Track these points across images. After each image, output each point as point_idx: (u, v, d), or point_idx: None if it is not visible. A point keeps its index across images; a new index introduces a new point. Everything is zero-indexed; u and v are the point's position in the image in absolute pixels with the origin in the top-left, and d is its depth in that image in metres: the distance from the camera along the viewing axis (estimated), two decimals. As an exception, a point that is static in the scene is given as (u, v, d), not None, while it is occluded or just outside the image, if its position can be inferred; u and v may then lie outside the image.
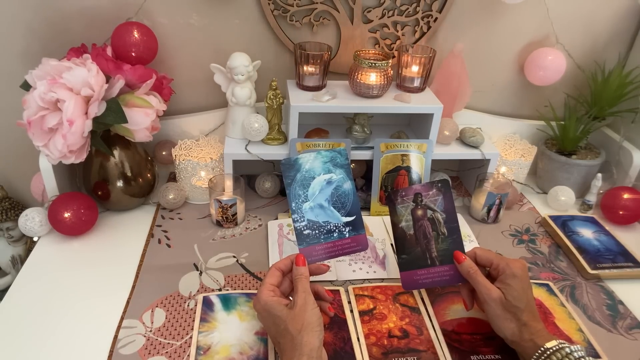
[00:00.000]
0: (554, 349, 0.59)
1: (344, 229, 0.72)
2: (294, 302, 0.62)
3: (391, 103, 0.93)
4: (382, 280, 0.81)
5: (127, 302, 0.74)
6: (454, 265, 0.71)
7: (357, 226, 0.73)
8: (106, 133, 0.86)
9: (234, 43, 0.97)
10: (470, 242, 0.91)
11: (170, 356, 0.65)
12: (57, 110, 0.77)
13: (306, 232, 0.71)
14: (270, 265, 0.82)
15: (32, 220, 0.85)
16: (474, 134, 0.98)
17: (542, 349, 0.59)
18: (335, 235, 0.72)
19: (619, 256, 0.88)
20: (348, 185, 0.73)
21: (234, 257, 0.84)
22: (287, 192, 0.72)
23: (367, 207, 0.98)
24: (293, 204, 0.71)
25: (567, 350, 0.58)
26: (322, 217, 0.72)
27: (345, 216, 0.72)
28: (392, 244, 0.88)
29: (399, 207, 0.76)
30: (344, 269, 0.82)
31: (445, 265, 0.72)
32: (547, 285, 0.81)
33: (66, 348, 0.66)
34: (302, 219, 0.71)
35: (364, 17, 0.98)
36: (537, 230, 0.97)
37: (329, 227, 0.72)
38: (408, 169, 0.95)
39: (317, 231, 0.71)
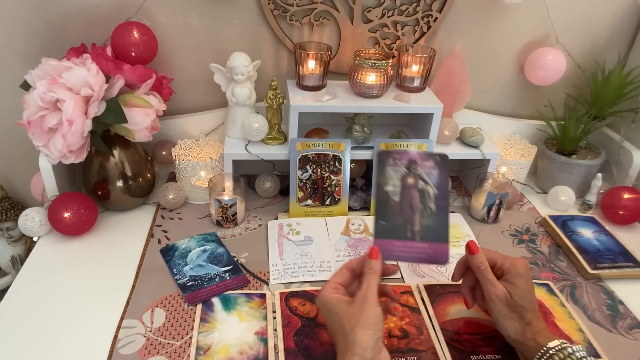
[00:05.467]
0: (557, 348, 0.59)
1: (224, 275, 0.79)
2: (354, 298, 0.59)
3: (391, 103, 0.92)
4: (382, 280, 0.81)
5: (127, 302, 0.74)
6: (435, 245, 0.67)
7: (235, 270, 0.80)
8: (106, 133, 0.86)
9: (234, 43, 0.97)
10: (470, 242, 0.91)
11: (170, 356, 0.65)
12: (57, 110, 0.77)
13: (189, 284, 0.77)
14: (270, 264, 0.82)
15: (32, 220, 0.85)
16: (474, 133, 0.98)
17: (545, 348, 0.59)
18: (216, 280, 0.78)
19: (619, 256, 0.88)
20: (222, 250, 0.84)
21: (234, 257, 0.84)
22: (168, 265, 0.80)
23: (367, 207, 0.98)
24: (174, 269, 0.79)
25: (570, 350, 0.58)
26: (202, 272, 0.79)
27: (223, 267, 0.80)
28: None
29: (389, 169, 0.70)
30: (344, 269, 0.82)
31: (425, 243, 0.68)
32: (547, 285, 0.81)
33: (66, 348, 0.66)
34: (184, 277, 0.78)
35: (364, 17, 0.97)
36: (537, 230, 0.97)
37: (209, 276, 0.78)
38: (408, 169, 0.96)
39: (199, 281, 0.77)
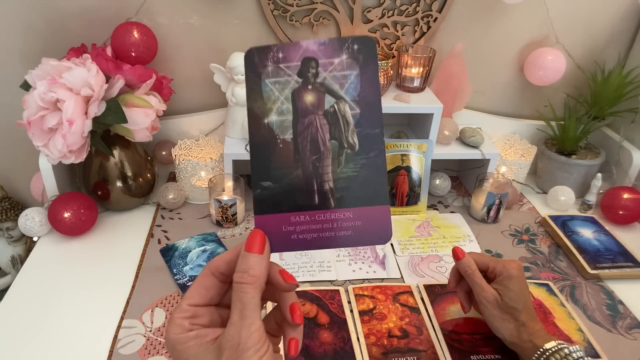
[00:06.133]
0: (553, 349, 0.59)
1: None
2: (222, 339, 0.35)
3: (391, 103, 0.93)
4: (382, 280, 0.81)
5: (127, 302, 0.74)
6: (364, 211, 0.39)
7: None
8: (106, 133, 0.86)
9: (234, 43, 0.97)
10: (470, 242, 0.91)
11: (170, 356, 0.65)
12: (57, 110, 0.77)
13: (189, 284, 0.76)
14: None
15: (31, 220, 0.85)
16: (474, 134, 0.98)
17: (541, 350, 0.59)
18: None
19: (619, 256, 0.88)
20: (222, 250, 0.84)
21: (234, 257, 0.84)
22: (167, 265, 0.80)
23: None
24: (174, 269, 0.79)
25: (567, 351, 0.58)
26: None
27: None
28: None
29: (269, 82, 0.38)
30: (344, 268, 0.82)
31: (346, 209, 0.39)
32: (547, 285, 0.81)
33: (66, 348, 0.66)
34: (184, 277, 0.78)
35: (364, 17, 0.98)
36: (537, 230, 0.97)
37: None
38: (408, 169, 0.96)
39: None
